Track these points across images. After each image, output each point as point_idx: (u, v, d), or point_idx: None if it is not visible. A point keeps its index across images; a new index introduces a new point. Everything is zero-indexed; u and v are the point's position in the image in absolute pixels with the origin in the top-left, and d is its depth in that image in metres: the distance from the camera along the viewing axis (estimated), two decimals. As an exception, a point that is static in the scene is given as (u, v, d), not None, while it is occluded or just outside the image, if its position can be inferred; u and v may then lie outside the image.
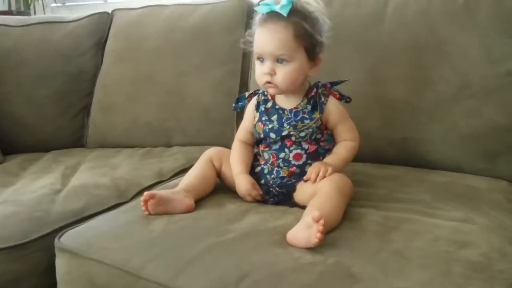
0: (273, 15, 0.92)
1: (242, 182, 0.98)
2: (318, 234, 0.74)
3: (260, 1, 1.01)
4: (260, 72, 0.96)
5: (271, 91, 0.97)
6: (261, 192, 0.98)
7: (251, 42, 0.98)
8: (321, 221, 0.74)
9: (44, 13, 2.34)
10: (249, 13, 1.48)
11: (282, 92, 0.97)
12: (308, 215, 0.78)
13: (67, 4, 2.37)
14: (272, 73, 0.94)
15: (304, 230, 0.77)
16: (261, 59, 0.95)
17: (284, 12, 0.90)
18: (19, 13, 2.21)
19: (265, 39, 0.93)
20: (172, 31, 1.54)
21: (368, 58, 1.23)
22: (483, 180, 1.09)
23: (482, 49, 1.13)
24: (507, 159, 1.11)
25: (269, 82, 0.94)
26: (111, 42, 1.65)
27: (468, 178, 1.10)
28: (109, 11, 1.71)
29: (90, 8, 1.98)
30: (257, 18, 0.96)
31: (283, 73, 0.93)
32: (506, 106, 1.10)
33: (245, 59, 1.48)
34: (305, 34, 0.92)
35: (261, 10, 0.94)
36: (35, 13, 2.33)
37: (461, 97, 1.14)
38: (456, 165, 1.15)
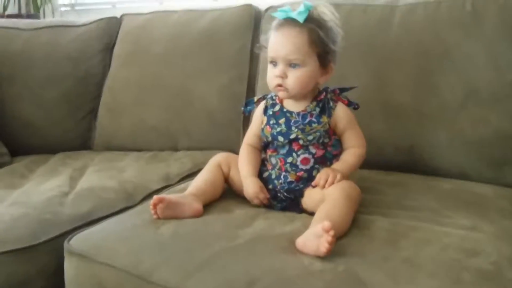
0: (289, 21, 0.95)
1: (250, 185, 0.99)
2: (327, 245, 0.74)
3: (277, 8, 1.02)
4: (271, 74, 0.97)
5: (281, 94, 0.98)
6: (268, 196, 0.99)
7: (265, 47, 0.99)
8: (331, 232, 0.74)
9: (54, 17, 2.36)
10: (257, 19, 1.50)
11: (291, 96, 0.98)
12: (318, 224, 0.78)
13: (76, 8, 2.39)
14: (284, 76, 0.95)
15: (314, 239, 0.77)
16: (274, 62, 0.97)
17: (301, 19, 0.93)
18: (28, 16, 2.23)
19: (279, 43, 0.95)
20: (180, 36, 1.55)
21: (375, 64, 1.24)
22: (489, 187, 1.09)
23: (489, 56, 1.13)
24: (514, 167, 1.11)
25: (279, 85, 0.96)
26: (119, 46, 1.66)
27: (474, 185, 1.10)
28: (118, 16, 1.73)
29: (99, 12, 1.99)
30: (273, 23, 0.98)
31: (295, 77, 0.94)
32: (513, 114, 1.11)
33: (252, 64, 1.49)
34: (319, 41, 0.94)
35: (278, 16, 0.97)
36: (44, 17, 2.35)
37: (468, 104, 1.14)
38: (462, 173, 1.15)
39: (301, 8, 0.94)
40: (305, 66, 0.94)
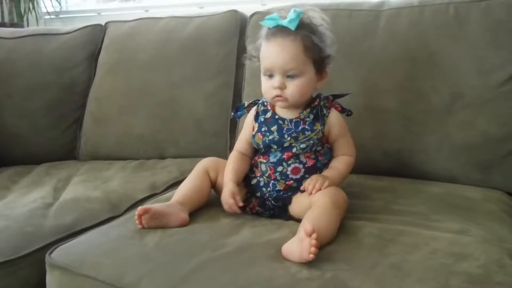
0: (280, 29, 0.92)
1: (226, 190, 0.97)
2: (313, 249, 0.72)
3: (263, 14, 1.01)
4: (268, 86, 0.95)
5: (280, 104, 0.96)
6: (240, 204, 0.95)
7: (254, 57, 0.97)
8: (314, 235, 0.73)
9: (38, 25, 2.33)
10: (242, 25, 1.49)
11: (291, 105, 0.96)
12: (302, 229, 0.77)
13: (60, 16, 2.37)
14: (283, 87, 0.93)
15: (297, 244, 0.75)
16: (269, 74, 0.95)
17: (293, 27, 0.90)
18: (12, 25, 2.20)
19: (274, 53, 0.93)
20: (166, 43, 1.54)
21: (361, 70, 1.24)
22: (477, 190, 1.09)
23: (473, 60, 1.14)
24: (500, 170, 1.12)
25: (278, 96, 0.94)
26: (104, 54, 1.64)
27: (462, 189, 1.10)
28: (103, 23, 1.71)
29: (83, 20, 1.97)
30: (263, 32, 0.96)
31: (294, 87, 0.93)
32: (499, 117, 1.11)
33: (239, 71, 1.48)
34: (313, 48, 0.92)
35: (267, 24, 0.94)
36: (28, 25, 2.32)
37: (454, 109, 1.15)
38: (450, 176, 1.16)
39: (292, 15, 0.90)
40: (303, 75, 0.93)
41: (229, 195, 0.95)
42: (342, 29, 1.28)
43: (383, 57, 1.22)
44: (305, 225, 0.74)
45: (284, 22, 0.91)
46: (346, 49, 1.25)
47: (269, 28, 0.94)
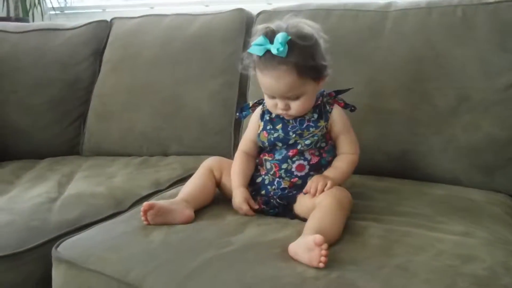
0: (270, 58, 0.89)
1: (237, 196, 0.98)
2: (323, 259, 0.73)
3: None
4: (272, 104, 0.96)
5: (287, 116, 0.97)
6: (255, 207, 0.97)
7: (249, 67, 0.96)
8: (324, 246, 0.73)
9: (43, 20, 2.33)
10: (248, 24, 1.49)
11: (297, 116, 0.97)
12: (309, 236, 0.77)
13: (65, 11, 2.37)
14: (287, 108, 0.94)
15: (306, 251, 0.75)
16: (270, 95, 0.95)
17: (283, 54, 0.87)
18: (17, 19, 2.20)
19: (270, 84, 0.92)
20: (171, 40, 1.54)
21: (366, 71, 1.24)
22: (481, 193, 1.09)
23: (480, 63, 1.14)
24: (505, 173, 1.12)
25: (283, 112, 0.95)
26: (108, 51, 1.64)
27: (466, 191, 1.10)
28: (108, 19, 1.71)
29: (88, 16, 1.98)
30: (255, 60, 0.93)
31: (297, 106, 0.94)
32: (505, 120, 1.11)
33: (244, 70, 1.48)
34: (308, 69, 0.91)
35: (256, 53, 0.90)
36: (33, 20, 2.32)
37: (460, 111, 1.15)
38: (454, 178, 1.16)
39: (279, 45, 0.87)
40: (304, 94, 0.93)
41: (242, 201, 0.96)
42: (348, 29, 1.28)
43: (389, 58, 1.22)
44: (316, 236, 0.74)
45: (273, 51, 0.87)
46: (352, 50, 1.26)
47: (259, 57, 0.91)
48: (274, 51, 0.87)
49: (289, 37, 0.88)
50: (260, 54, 0.90)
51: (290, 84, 0.90)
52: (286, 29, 0.90)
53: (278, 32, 0.89)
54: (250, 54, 0.93)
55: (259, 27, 0.94)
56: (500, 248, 0.80)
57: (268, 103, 0.97)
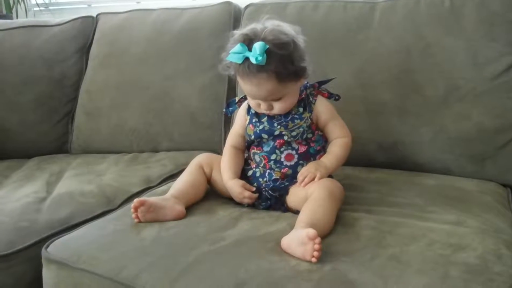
0: (250, 66, 0.88)
1: (233, 187, 0.98)
2: (316, 253, 0.73)
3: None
4: (255, 105, 0.97)
5: (272, 114, 0.98)
6: (253, 189, 0.97)
7: (229, 67, 0.95)
8: (317, 240, 0.73)
9: (27, 17, 2.29)
10: (236, 17, 1.48)
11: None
12: (302, 229, 0.77)
13: (50, 8, 2.33)
14: (270, 109, 0.95)
15: (299, 244, 0.75)
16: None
17: (262, 62, 0.87)
18: (0, 16, 2.16)
19: (251, 90, 0.93)
20: (158, 35, 1.52)
21: (355, 62, 1.24)
22: (472, 182, 1.10)
23: (468, 52, 1.14)
24: (495, 161, 1.13)
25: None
26: (95, 47, 1.62)
27: (457, 180, 1.11)
28: (94, 15, 1.68)
29: (74, 12, 1.94)
30: (234, 66, 0.92)
31: (280, 106, 0.95)
32: (494, 109, 1.12)
33: (233, 64, 1.47)
34: (288, 74, 0.91)
35: (235, 61, 0.89)
36: (17, 17, 2.28)
37: (449, 101, 1.15)
38: (445, 168, 1.16)
39: (257, 52, 0.86)
40: (286, 95, 0.94)
41: (240, 190, 0.97)
42: (337, 21, 1.28)
43: (378, 49, 1.22)
44: (309, 230, 0.74)
45: (252, 59, 0.86)
46: (340, 41, 1.26)
47: (238, 65, 0.90)
48: (253, 60, 0.87)
49: (267, 46, 0.87)
50: (239, 62, 0.89)
51: (270, 90, 0.91)
52: (264, 37, 0.88)
53: (255, 39, 0.88)
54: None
55: (235, 33, 0.93)
56: (491, 236, 0.81)
57: (251, 103, 0.98)
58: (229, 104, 1.08)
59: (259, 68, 0.88)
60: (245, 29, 0.92)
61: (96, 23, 1.65)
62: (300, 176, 0.94)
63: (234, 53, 0.89)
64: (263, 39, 0.88)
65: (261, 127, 0.99)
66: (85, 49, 1.63)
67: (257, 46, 0.86)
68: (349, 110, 1.16)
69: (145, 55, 1.52)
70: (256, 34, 0.89)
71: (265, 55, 0.87)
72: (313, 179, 0.92)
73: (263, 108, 0.95)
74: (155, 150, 1.49)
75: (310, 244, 0.73)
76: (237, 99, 1.07)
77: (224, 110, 1.09)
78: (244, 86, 0.93)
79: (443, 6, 1.18)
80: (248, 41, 0.89)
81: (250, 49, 0.88)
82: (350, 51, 1.25)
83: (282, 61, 0.89)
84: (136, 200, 0.90)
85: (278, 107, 0.95)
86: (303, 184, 0.93)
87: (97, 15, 1.68)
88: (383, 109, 1.20)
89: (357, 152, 1.08)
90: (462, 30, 1.15)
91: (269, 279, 0.70)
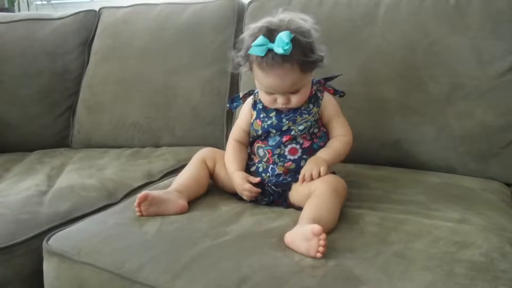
0: (273, 57, 0.88)
1: (236, 179, 0.97)
2: (321, 249, 0.72)
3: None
4: (270, 100, 0.95)
5: (284, 109, 0.97)
6: (256, 181, 0.96)
7: (240, 65, 0.95)
8: (323, 235, 0.73)
9: (29, 11, 2.28)
10: (240, 12, 1.47)
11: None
12: (307, 225, 0.76)
13: (52, 1, 2.32)
14: (288, 102, 0.94)
15: (303, 240, 0.75)
16: (269, 92, 0.95)
17: (288, 52, 0.86)
18: (2, 10, 2.16)
19: (275, 82, 0.91)
20: (161, 29, 1.51)
21: (360, 59, 1.23)
22: (475, 181, 1.09)
23: (473, 50, 1.13)
24: (498, 160, 1.12)
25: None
26: (97, 41, 1.61)
27: (461, 179, 1.10)
28: (96, 9, 1.67)
29: (75, 6, 1.93)
30: (255, 59, 0.91)
31: (297, 98, 0.95)
32: (498, 107, 1.11)
33: (236, 59, 1.46)
34: (310, 63, 0.92)
35: (258, 54, 0.89)
36: (19, 11, 2.27)
37: (453, 98, 1.14)
38: (448, 166, 1.16)
39: (284, 41, 0.86)
40: (302, 87, 0.94)
41: (242, 182, 0.96)
42: (341, 17, 1.27)
43: (382, 46, 1.21)
44: (314, 226, 0.74)
45: (279, 50, 0.86)
46: (345, 38, 1.25)
47: (260, 57, 0.89)
48: (279, 51, 0.86)
49: (292, 35, 0.87)
50: (262, 54, 0.89)
51: (294, 80, 0.91)
52: (287, 27, 0.89)
53: (277, 30, 0.88)
54: (248, 54, 0.93)
55: (251, 26, 0.93)
56: (496, 234, 0.80)
57: (266, 99, 0.96)
58: (233, 99, 1.08)
59: (284, 58, 0.88)
60: (260, 23, 0.92)
61: (99, 17, 1.65)
62: (301, 176, 0.93)
63: (256, 46, 0.89)
64: (286, 28, 0.88)
65: (269, 122, 0.98)
66: (87, 43, 1.62)
67: (283, 35, 0.86)
68: (353, 106, 1.15)
69: (147, 49, 1.51)
70: (277, 25, 0.89)
71: (291, 44, 0.86)
72: (317, 176, 0.91)
73: (280, 102, 0.94)
74: (157, 145, 1.48)
75: (315, 240, 0.73)
76: (241, 94, 1.07)
77: (228, 105, 1.08)
78: (267, 79, 0.92)
79: (448, 4, 1.17)
80: (268, 33, 0.89)
81: (271, 41, 0.88)
82: (355, 47, 1.24)
83: (304, 50, 0.89)
84: (140, 194, 0.90)
85: (295, 100, 0.94)
86: (306, 182, 0.92)
87: (100, 9, 1.67)
88: (387, 106, 1.20)
89: (360, 149, 1.08)
90: (467, 27, 1.14)
91: (273, 275, 0.70)
